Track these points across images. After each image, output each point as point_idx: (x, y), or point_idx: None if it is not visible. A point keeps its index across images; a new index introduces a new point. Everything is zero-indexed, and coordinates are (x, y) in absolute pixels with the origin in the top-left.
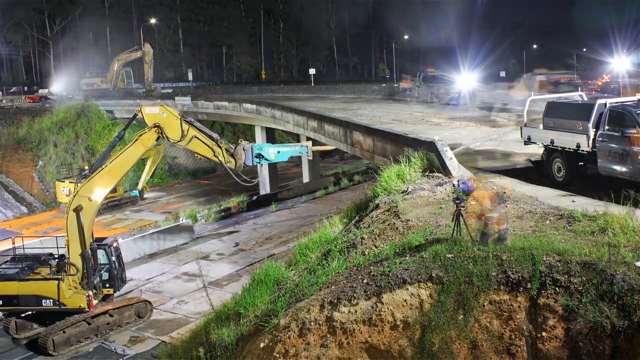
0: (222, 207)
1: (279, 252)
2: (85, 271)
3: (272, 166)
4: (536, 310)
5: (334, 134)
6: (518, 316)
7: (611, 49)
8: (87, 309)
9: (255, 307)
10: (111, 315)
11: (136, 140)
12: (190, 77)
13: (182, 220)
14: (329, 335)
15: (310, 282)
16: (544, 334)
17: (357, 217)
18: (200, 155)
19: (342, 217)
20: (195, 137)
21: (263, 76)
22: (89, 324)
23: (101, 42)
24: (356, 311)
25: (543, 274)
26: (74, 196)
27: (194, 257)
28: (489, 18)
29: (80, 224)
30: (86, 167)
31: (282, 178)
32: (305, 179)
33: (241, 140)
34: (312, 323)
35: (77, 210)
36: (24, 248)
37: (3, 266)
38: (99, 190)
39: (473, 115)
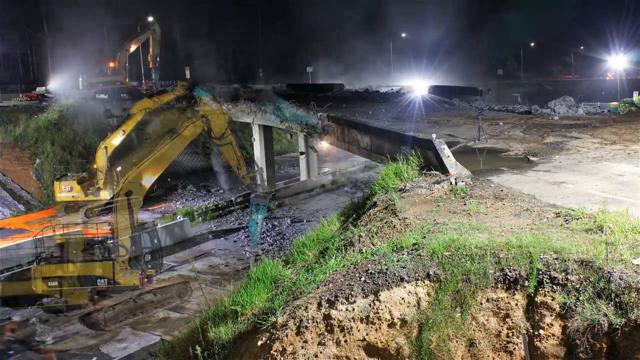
0: (219, 205)
1: (277, 249)
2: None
3: (270, 164)
4: (533, 308)
5: (331, 131)
6: (515, 314)
7: (609, 46)
8: (140, 286)
9: (252, 305)
10: (155, 295)
11: (183, 131)
12: (188, 75)
13: (179, 219)
14: (326, 333)
15: (307, 280)
16: (541, 331)
17: (354, 215)
18: (226, 159)
19: (339, 215)
20: (231, 143)
21: (260, 74)
22: (135, 301)
23: (99, 40)
24: (354, 309)
25: (540, 272)
26: (124, 182)
27: (192, 255)
28: (487, 14)
29: (131, 207)
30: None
31: (279, 177)
32: (303, 177)
33: (258, 167)
34: (309, 321)
35: (128, 195)
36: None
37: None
38: (147, 177)
39: None
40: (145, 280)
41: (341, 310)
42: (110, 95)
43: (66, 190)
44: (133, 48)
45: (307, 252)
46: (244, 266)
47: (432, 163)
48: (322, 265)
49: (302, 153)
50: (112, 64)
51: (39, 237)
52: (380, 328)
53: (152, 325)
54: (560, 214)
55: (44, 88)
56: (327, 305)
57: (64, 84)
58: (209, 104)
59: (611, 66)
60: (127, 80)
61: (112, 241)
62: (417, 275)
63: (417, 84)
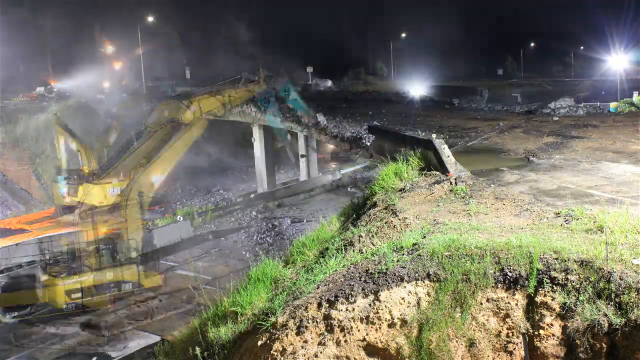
0: (219, 205)
1: (277, 250)
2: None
3: (270, 163)
4: (533, 308)
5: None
6: (515, 314)
7: (609, 46)
8: (162, 286)
9: (252, 305)
10: (160, 300)
11: (188, 129)
12: (188, 75)
13: (179, 219)
14: (326, 333)
15: (307, 280)
16: (541, 332)
17: (354, 215)
18: (216, 113)
19: (339, 215)
20: (231, 95)
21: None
22: (138, 306)
23: (99, 40)
24: (354, 309)
25: (540, 272)
26: (134, 184)
27: (192, 255)
28: (486, 14)
29: (143, 206)
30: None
31: (279, 177)
32: (303, 177)
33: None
34: (309, 321)
35: (140, 195)
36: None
37: (53, 267)
38: (157, 177)
39: None
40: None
41: (341, 310)
42: (109, 95)
43: (62, 195)
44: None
45: (307, 252)
46: (244, 266)
47: (432, 163)
48: (322, 265)
49: (302, 156)
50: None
51: (41, 238)
52: (380, 328)
53: (152, 325)
54: (560, 214)
55: (42, 88)
56: (327, 305)
57: (64, 84)
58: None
59: (610, 67)
60: (124, 82)
61: (119, 243)
62: (417, 275)
63: (413, 86)
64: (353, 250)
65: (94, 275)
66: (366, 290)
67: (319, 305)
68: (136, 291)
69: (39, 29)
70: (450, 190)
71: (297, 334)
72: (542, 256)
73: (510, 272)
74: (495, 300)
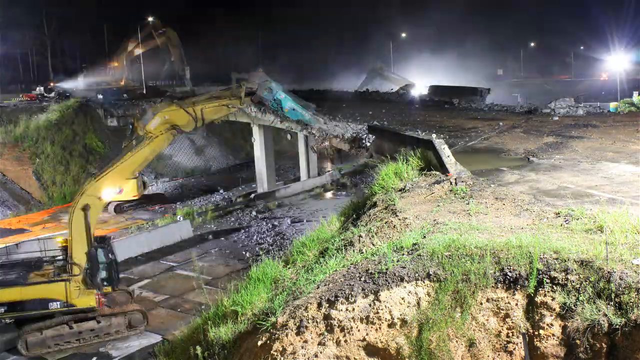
0: (219, 205)
1: (277, 250)
2: (89, 270)
3: (270, 163)
4: (533, 308)
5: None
6: (515, 314)
7: (609, 46)
8: (97, 308)
9: (252, 305)
10: (98, 322)
11: (151, 142)
12: (188, 76)
13: (179, 219)
14: (326, 333)
15: (307, 280)
16: (541, 331)
17: (354, 215)
18: (221, 118)
19: (339, 215)
20: (203, 109)
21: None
22: (70, 327)
23: (99, 40)
24: (354, 309)
25: (540, 272)
26: (81, 195)
27: (192, 255)
28: (486, 14)
29: (88, 223)
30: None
31: (279, 175)
32: (303, 177)
33: (268, 81)
34: (309, 321)
35: (85, 209)
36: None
37: None
38: (108, 190)
39: None
40: (103, 300)
41: (341, 310)
42: (108, 96)
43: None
44: (138, 52)
45: (307, 252)
46: (244, 266)
47: (432, 163)
48: (322, 265)
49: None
50: (116, 64)
51: None
52: (380, 328)
53: (152, 325)
54: (560, 214)
55: (41, 88)
56: (327, 305)
57: (65, 84)
58: (156, 123)
59: (610, 69)
60: (122, 81)
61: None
62: (417, 275)
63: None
64: (353, 250)
65: (20, 290)
66: (366, 290)
67: (319, 305)
68: (66, 311)
69: (39, 27)
70: (450, 190)
71: (297, 334)
72: (542, 256)
73: (510, 272)
74: (495, 300)
